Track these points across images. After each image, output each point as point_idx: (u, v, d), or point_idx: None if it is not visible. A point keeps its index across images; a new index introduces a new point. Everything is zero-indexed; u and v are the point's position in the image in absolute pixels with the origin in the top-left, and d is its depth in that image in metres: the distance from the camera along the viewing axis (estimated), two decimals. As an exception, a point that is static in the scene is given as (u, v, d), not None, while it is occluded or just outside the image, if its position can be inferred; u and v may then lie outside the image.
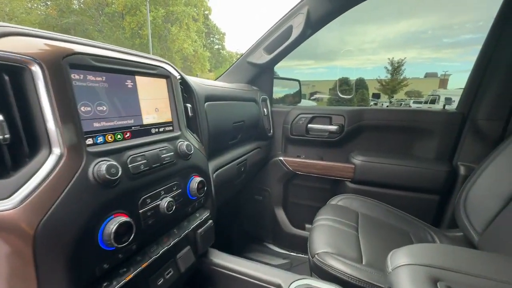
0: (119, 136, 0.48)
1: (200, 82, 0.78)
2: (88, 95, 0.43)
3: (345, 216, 0.92)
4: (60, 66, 0.38)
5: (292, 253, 1.39)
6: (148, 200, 0.50)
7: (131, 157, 0.46)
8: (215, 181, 0.77)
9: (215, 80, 1.30)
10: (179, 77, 0.64)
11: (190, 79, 0.71)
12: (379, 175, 1.14)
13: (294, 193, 1.39)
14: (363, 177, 1.17)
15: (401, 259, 0.43)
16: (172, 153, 0.55)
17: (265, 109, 1.27)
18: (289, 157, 1.32)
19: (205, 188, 0.64)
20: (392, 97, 21.03)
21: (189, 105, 0.67)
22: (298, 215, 1.39)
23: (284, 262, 1.30)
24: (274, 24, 1.14)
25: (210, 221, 0.71)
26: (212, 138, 0.77)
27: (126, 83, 0.50)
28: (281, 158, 1.32)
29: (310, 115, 1.28)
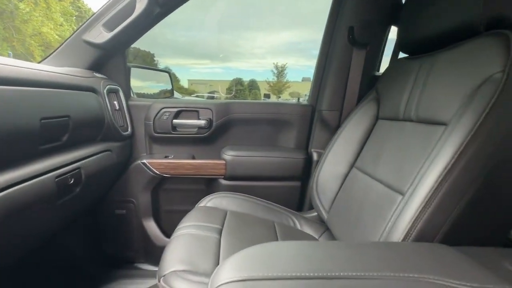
0: None
1: None
2: None
3: (210, 219, 0.84)
4: None
5: None
6: None
7: None
8: None
9: (38, 63, 0.94)
10: None
11: None
12: (249, 168, 1.13)
13: (165, 199, 1.21)
14: (234, 173, 1.13)
15: (221, 276, 0.35)
16: None
17: (115, 102, 1.02)
18: (156, 158, 1.13)
19: None
20: (279, 97, 24.01)
21: None
22: (173, 223, 1.22)
23: (155, 284, 1.10)
24: None
25: None
26: None
27: None
28: (144, 160, 1.11)
29: (175, 109, 1.13)
